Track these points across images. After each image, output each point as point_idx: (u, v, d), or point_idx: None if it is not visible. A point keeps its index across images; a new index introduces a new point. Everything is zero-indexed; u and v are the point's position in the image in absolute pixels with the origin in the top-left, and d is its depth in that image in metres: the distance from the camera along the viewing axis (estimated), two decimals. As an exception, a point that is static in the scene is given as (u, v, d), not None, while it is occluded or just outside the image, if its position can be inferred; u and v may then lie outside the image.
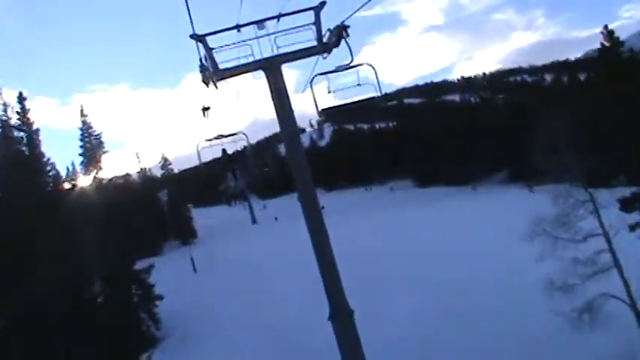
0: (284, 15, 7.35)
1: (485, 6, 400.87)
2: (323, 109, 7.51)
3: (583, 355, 16.81)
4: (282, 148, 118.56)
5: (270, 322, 27.66)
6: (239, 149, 9.75)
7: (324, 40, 7.49)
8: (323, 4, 7.36)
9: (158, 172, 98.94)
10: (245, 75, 7.84)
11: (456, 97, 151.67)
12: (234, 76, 7.74)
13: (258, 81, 7.97)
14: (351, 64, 7.32)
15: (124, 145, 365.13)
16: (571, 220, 17.11)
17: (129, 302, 30.73)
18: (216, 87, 7.78)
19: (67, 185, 34.69)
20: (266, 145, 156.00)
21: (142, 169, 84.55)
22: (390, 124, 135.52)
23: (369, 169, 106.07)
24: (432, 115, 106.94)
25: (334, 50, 7.49)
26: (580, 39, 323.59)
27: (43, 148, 30.14)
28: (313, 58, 7.65)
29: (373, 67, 7.30)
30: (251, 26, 7.45)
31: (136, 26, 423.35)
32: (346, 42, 7.13)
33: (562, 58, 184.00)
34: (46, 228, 23.09)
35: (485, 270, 28.24)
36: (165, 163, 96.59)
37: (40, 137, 29.62)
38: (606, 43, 26.97)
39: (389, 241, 41.48)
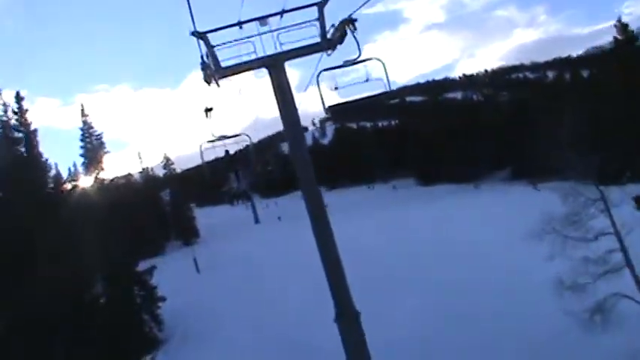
0: (287, 11, 7.18)
1: (486, 3, 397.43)
2: (330, 106, 7.23)
3: (594, 356, 16.60)
4: (284, 147, 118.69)
5: (272, 321, 27.57)
6: (241, 149, 9.61)
7: (328, 36, 7.29)
8: (326, -1, 7.15)
9: (160, 172, 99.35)
10: (247, 73, 7.68)
11: (458, 95, 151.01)
12: (236, 74, 7.58)
13: (259, 79, 7.82)
14: (359, 59, 7.01)
15: (126, 145, 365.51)
16: (582, 219, 16.79)
17: (131, 302, 30.67)
18: (218, 85, 7.61)
19: (68, 186, 34.55)
20: (268, 144, 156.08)
21: (144, 168, 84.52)
22: (393, 123, 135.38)
23: (371, 167, 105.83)
24: (434, 113, 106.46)
25: (337, 48, 7.28)
26: (582, 36, 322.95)
27: (44, 149, 30.21)
28: (315, 57, 7.48)
29: (382, 62, 6.97)
30: (253, 23, 7.28)
31: (138, 26, 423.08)
32: (354, 36, 6.87)
33: (564, 55, 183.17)
34: (46, 228, 23.04)
35: (486, 270, 28.01)
36: (167, 162, 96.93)
37: (38, 137, 29.33)
38: (619, 37, 26.67)
39: (391, 239, 41.37)
